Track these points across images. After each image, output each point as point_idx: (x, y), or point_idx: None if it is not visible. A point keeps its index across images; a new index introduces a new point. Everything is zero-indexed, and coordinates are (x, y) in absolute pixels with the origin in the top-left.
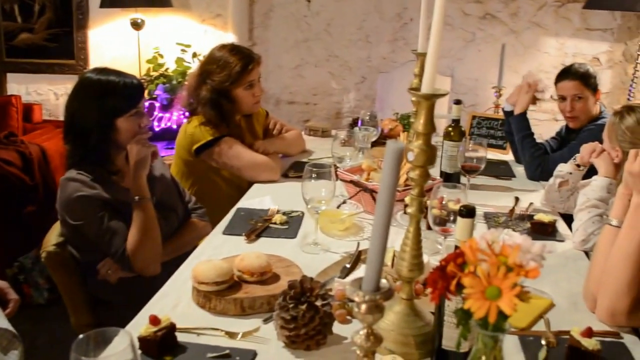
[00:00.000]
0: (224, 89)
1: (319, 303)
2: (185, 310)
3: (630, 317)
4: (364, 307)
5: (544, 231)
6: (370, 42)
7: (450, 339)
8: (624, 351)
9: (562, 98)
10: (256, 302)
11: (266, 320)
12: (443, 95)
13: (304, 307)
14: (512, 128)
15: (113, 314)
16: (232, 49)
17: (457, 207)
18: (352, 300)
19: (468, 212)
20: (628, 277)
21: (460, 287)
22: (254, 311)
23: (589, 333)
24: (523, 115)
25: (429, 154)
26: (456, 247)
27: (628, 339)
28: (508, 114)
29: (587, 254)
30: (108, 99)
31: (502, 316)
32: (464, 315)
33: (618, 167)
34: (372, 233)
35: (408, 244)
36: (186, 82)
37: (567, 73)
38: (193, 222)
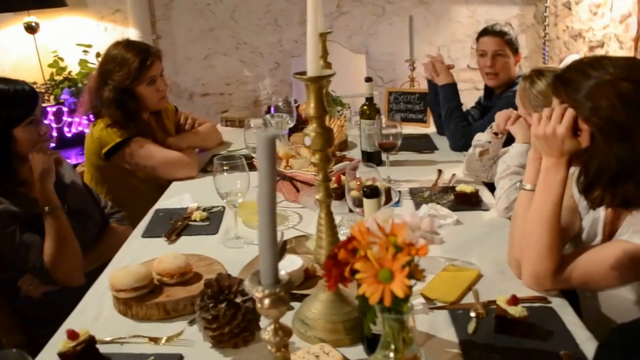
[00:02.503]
0: (126, 87)
1: (239, 300)
2: (107, 320)
3: (555, 279)
4: (266, 302)
5: (467, 202)
6: (280, 26)
7: (380, 322)
8: (552, 315)
9: (482, 54)
10: (179, 304)
11: (191, 322)
12: (329, 76)
13: (223, 305)
14: (441, 98)
15: (44, 331)
16: (128, 44)
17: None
18: None
19: (372, 192)
20: (547, 240)
21: (355, 272)
22: (178, 314)
23: (514, 301)
24: (452, 84)
25: (326, 136)
26: None
27: (556, 303)
28: (432, 83)
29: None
30: (0, 110)
31: (400, 298)
32: (364, 301)
33: None
34: (259, 226)
35: (323, 231)
36: (86, 85)
37: (489, 30)
38: (113, 228)
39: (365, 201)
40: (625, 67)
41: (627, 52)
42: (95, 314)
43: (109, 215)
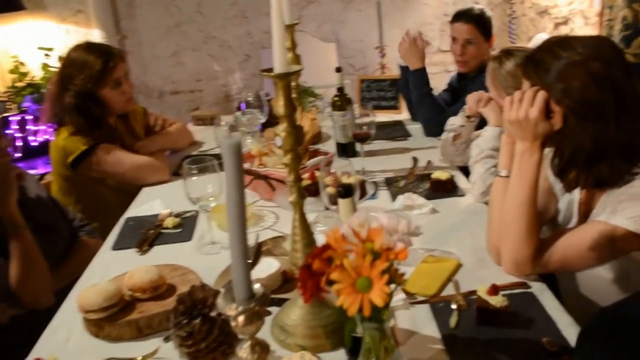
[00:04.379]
0: (89, 91)
1: (214, 313)
2: (78, 343)
3: (535, 264)
4: (241, 319)
5: (443, 188)
6: (248, 18)
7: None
8: (533, 300)
9: (454, 40)
10: (153, 321)
11: (166, 339)
12: (298, 72)
13: (197, 321)
14: (410, 84)
15: (15, 357)
16: (88, 47)
17: (350, 181)
18: None
19: (346, 191)
20: (525, 225)
21: (332, 282)
22: (153, 330)
23: (494, 290)
24: (422, 70)
25: (296, 135)
26: None
27: (536, 287)
28: (404, 69)
29: (488, 205)
30: None
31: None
32: (343, 312)
33: None
34: (230, 237)
35: (298, 233)
36: (47, 92)
37: (462, 15)
38: (83, 241)
39: (340, 201)
40: (594, 47)
41: (591, 27)
42: (65, 337)
43: (79, 228)
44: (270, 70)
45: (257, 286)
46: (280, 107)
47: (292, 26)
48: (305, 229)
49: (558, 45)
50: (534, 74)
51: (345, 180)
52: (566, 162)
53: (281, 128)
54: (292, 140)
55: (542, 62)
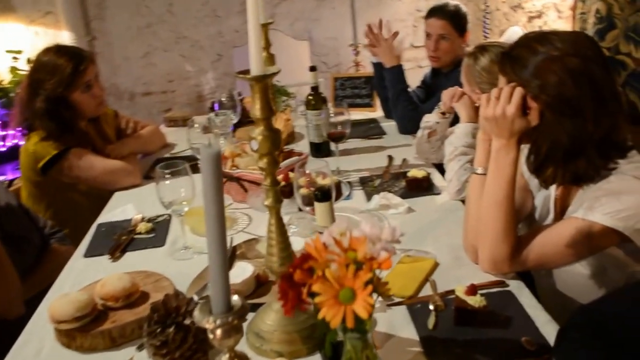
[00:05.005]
0: (59, 95)
1: (188, 321)
2: (50, 354)
3: (512, 262)
4: (218, 332)
5: (419, 187)
6: (219, 17)
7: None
8: (511, 299)
9: (427, 35)
10: (126, 330)
11: (140, 347)
12: (275, 74)
13: (172, 329)
14: (387, 81)
15: None
16: (59, 50)
17: (325, 182)
18: None
19: (323, 195)
20: (503, 223)
21: (313, 293)
22: (126, 339)
23: (472, 290)
24: (399, 67)
25: (273, 139)
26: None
27: (513, 285)
28: (378, 65)
29: (464, 202)
30: None
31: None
32: (325, 323)
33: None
34: (209, 249)
35: (274, 238)
36: (16, 96)
37: (437, 11)
38: (54, 249)
39: (317, 205)
40: (572, 42)
41: (565, 21)
42: (36, 348)
43: (50, 236)
44: (246, 72)
45: (235, 298)
46: (256, 110)
47: (266, 25)
48: (282, 233)
49: (536, 40)
50: (510, 70)
51: (320, 181)
52: (543, 158)
53: (257, 131)
54: (268, 144)
55: (519, 58)
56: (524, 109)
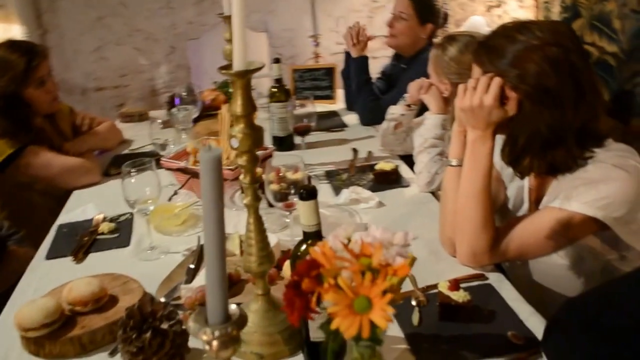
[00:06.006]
0: (12, 93)
1: (165, 325)
2: None
3: (492, 254)
4: (215, 344)
5: (387, 180)
6: (173, 8)
7: (317, 330)
8: (492, 292)
9: (392, 12)
10: (97, 335)
11: (112, 353)
12: (259, 69)
13: (148, 335)
14: (352, 71)
15: None
16: (10, 45)
17: (296, 177)
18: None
19: (309, 193)
20: (481, 215)
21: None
22: (96, 346)
23: (456, 285)
24: (364, 57)
25: (255, 137)
26: (305, 235)
27: (493, 278)
28: (348, 55)
29: (434, 194)
30: None
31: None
32: (331, 333)
33: (448, 100)
34: (207, 258)
35: (252, 237)
36: None
37: None
38: (12, 251)
39: (301, 204)
40: (552, 31)
41: (526, 10)
42: (2, 356)
43: (7, 238)
44: (228, 67)
45: (233, 307)
46: (238, 107)
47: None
48: (261, 232)
49: (514, 29)
50: (487, 59)
51: (290, 176)
52: (520, 149)
53: (238, 129)
54: (249, 142)
55: (497, 48)
56: (501, 99)
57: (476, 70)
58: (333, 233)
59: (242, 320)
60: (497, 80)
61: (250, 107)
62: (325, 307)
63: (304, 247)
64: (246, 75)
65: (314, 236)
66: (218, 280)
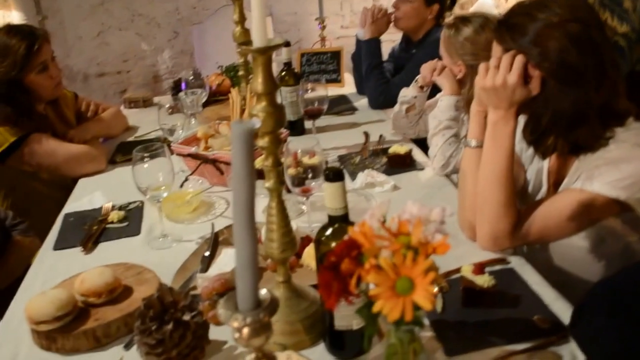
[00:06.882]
0: (14, 78)
1: (187, 317)
2: (28, 358)
3: (513, 237)
4: (246, 331)
5: (402, 163)
6: None
7: (342, 317)
8: (515, 277)
9: None
10: (111, 328)
11: (128, 346)
12: (280, 45)
13: (170, 326)
14: (363, 53)
15: None
16: (9, 30)
17: (312, 161)
18: (223, 295)
19: (335, 175)
20: (503, 197)
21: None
22: (111, 339)
23: (480, 269)
24: (376, 40)
25: (277, 116)
26: (330, 219)
27: (515, 262)
28: (359, 42)
29: (448, 177)
30: None
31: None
32: (370, 315)
33: (461, 82)
34: (236, 241)
35: (274, 222)
36: None
37: None
38: (17, 241)
39: (327, 185)
40: (571, 7)
41: None
42: (12, 352)
43: (11, 228)
44: (248, 43)
45: (263, 292)
46: (259, 85)
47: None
48: (284, 217)
49: (533, 7)
50: (509, 37)
51: (307, 160)
52: (544, 128)
53: (259, 107)
54: (272, 122)
55: (518, 26)
56: (524, 78)
57: (497, 49)
58: (369, 211)
59: (273, 305)
60: (520, 58)
61: (272, 84)
62: (363, 290)
63: (329, 231)
64: (267, 51)
65: (341, 220)
66: (249, 264)
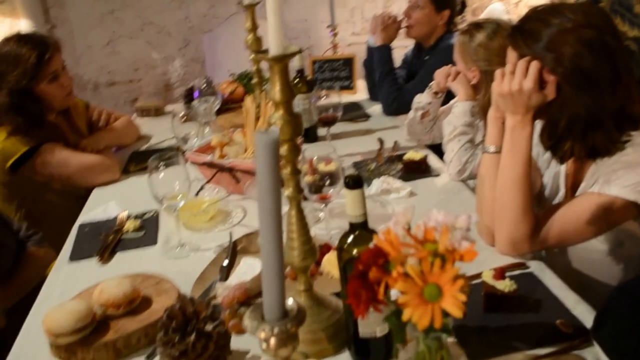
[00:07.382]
0: (25, 88)
1: (209, 327)
2: None
3: (532, 242)
4: (273, 341)
5: (417, 169)
6: (186, 1)
7: (366, 325)
8: (535, 282)
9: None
10: (132, 339)
11: (150, 357)
12: (296, 53)
13: (192, 337)
14: (375, 60)
15: None
16: (20, 39)
17: (329, 168)
18: (243, 304)
19: (355, 182)
20: (521, 202)
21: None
22: (131, 350)
23: (501, 274)
24: (387, 47)
25: (295, 124)
26: (351, 226)
27: (535, 266)
28: (370, 49)
29: (465, 183)
30: None
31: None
32: (399, 323)
33: (476, 88)
34: (263, 251)
35: (294, 230)
36: None
37: None
38: (31, 253)
39: (347, 193)
40: (584, 13)
41: None
42: None
43: (26, 239)
44: (261, 51)
45: (290, 302)
46: (276, 93)
47: (252, 6)
48: (303, 225)
49: (547, 13)
50: (523, 43)
51: (323, 167)
52: (561, 133)
53: (277, 116)
54: (290, 130)
55: (532, 31)
56: (539, 84)
57: (512, 55)
58: (393, 219)
59: (300, 315)
60: (535, 64)
61: (289, 92)
62: (390, 298)
63: (350, 238)
64: (284, 59)
65: (361, 227)
66: (275, 274)
